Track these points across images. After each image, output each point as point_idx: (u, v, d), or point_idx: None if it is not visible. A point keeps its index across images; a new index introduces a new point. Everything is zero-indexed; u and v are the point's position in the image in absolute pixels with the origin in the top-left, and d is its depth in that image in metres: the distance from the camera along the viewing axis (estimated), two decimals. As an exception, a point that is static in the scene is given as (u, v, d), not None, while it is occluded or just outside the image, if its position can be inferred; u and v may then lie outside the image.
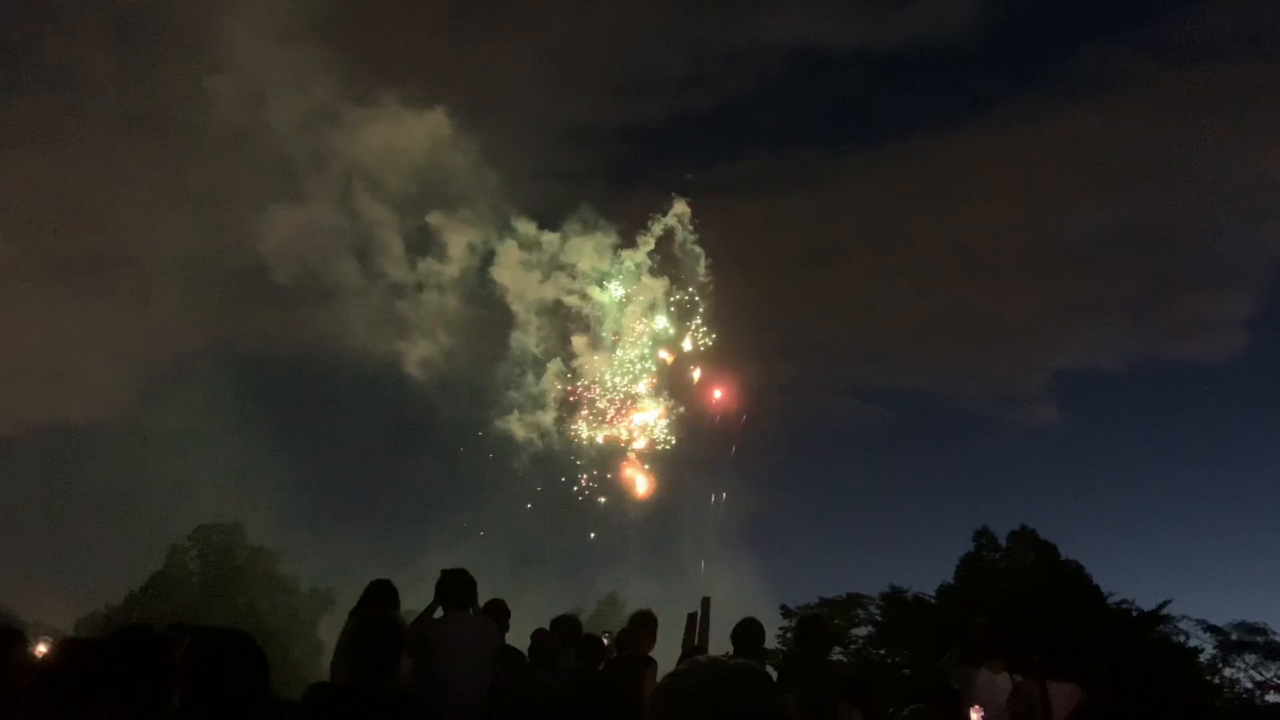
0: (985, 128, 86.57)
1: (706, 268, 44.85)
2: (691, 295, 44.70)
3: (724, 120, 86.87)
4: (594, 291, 44.14)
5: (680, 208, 45.54)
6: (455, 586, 8.10)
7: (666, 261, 45.59)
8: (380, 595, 8.22)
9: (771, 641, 38.49)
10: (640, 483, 43.46)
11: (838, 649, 43.64)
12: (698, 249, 45.48)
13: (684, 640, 11.29)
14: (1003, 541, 45.75)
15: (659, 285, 44.77)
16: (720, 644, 9.82)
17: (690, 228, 44.37)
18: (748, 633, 8.90)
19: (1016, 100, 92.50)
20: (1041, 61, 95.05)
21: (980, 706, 9.48)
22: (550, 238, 44.51)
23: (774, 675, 9.39)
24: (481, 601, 8.87)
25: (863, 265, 79.85)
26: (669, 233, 44.82)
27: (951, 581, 44.48)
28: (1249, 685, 39.59)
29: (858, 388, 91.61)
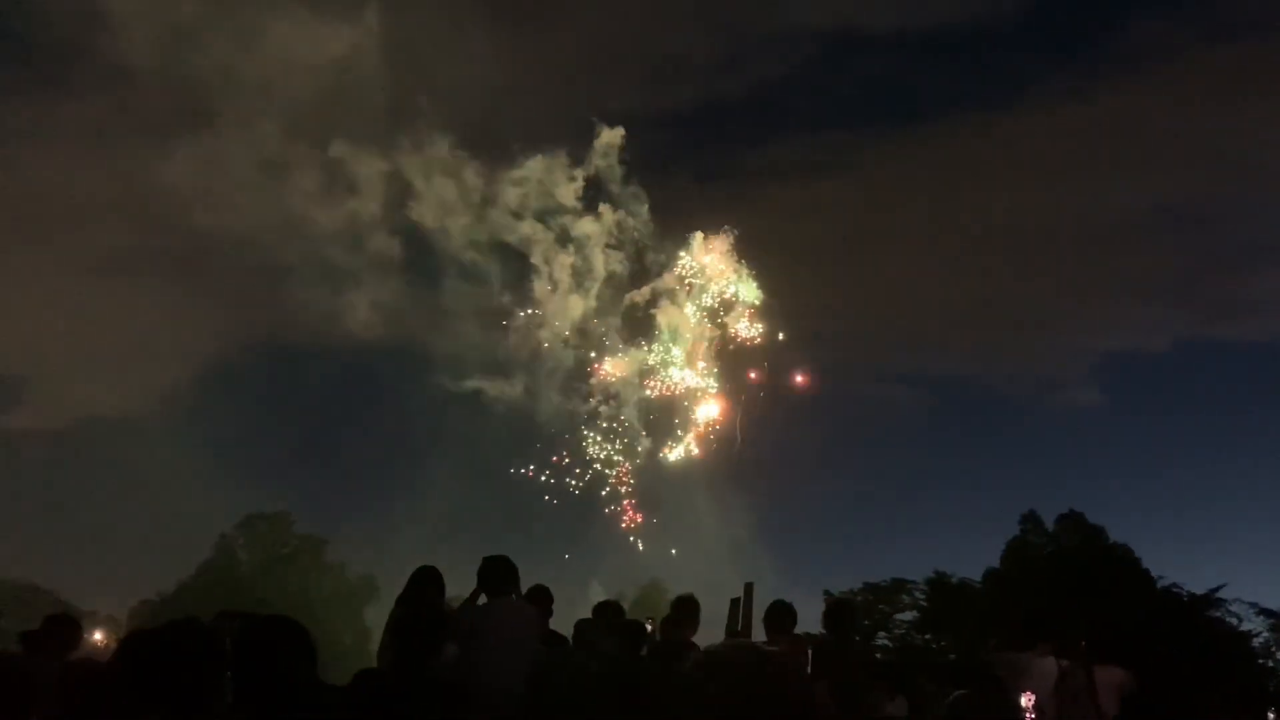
0: (1025, 108, 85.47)
1: (648, 210, 42.30)
2: (637, 240, 42.62)
3: (759, 105, 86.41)
4: (529, 227, 41.53)
5: (610, 137, 41.24)
6: (497, 573, 8.16)
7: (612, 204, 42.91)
8: (426, 582, 8.30)
9: (817, 626, 38.35)
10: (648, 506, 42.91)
11: (882, 634, 43.51)
12: (635, 188, 41.74)
13: (728, 625, 11.31)
14: (1050, 526, 45.33)
15: (610, 216, 42.25)
16: (762, 629, 9.83)
17: (622, 162, 41.00)
18: (778, 615, 8.97)
19: (1057, 80, 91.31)
20: (1082, 40, 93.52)
21: (1030, 693, 9.42)
22: (475, 180, 41.76)
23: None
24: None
25: (903, 249, 79.12)
26: (601, 172, 41.08)
27: (997, 566, 44.15)
28: (1304, 669, 39.03)
29: (900, 373, 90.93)
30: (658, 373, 41.04)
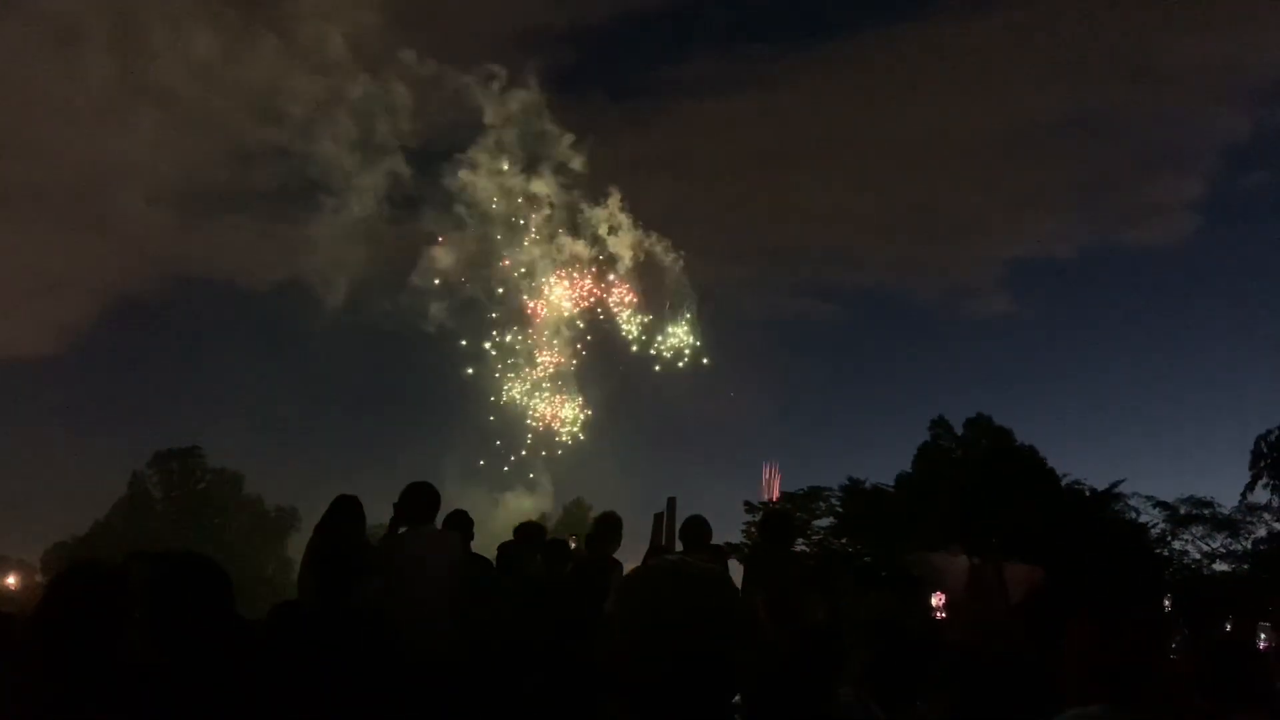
0: (935, 20, 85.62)
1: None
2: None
3: (672, 19, 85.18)
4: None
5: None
6: (417, 501, 8.10)
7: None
8: (344, 511, 8.19)
9: (737, 536, 39.24)
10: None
11: (800, 541, 44.54)
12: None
13: (652, 540, 11.46)
14: (959, 430, 46.58)
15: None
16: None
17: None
18: (694, 529, 9.13)
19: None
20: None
21: (940, 593, 9.73)
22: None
23: (738, 569, 9.56)
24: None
25: (815, 163, 79.36)
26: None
27: (909, 470, 45.33)
28: (1197, 556, 41.01)
29: (813, 286, 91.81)
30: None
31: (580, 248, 44.21)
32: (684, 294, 44.74)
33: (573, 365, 44.46)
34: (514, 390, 43.87)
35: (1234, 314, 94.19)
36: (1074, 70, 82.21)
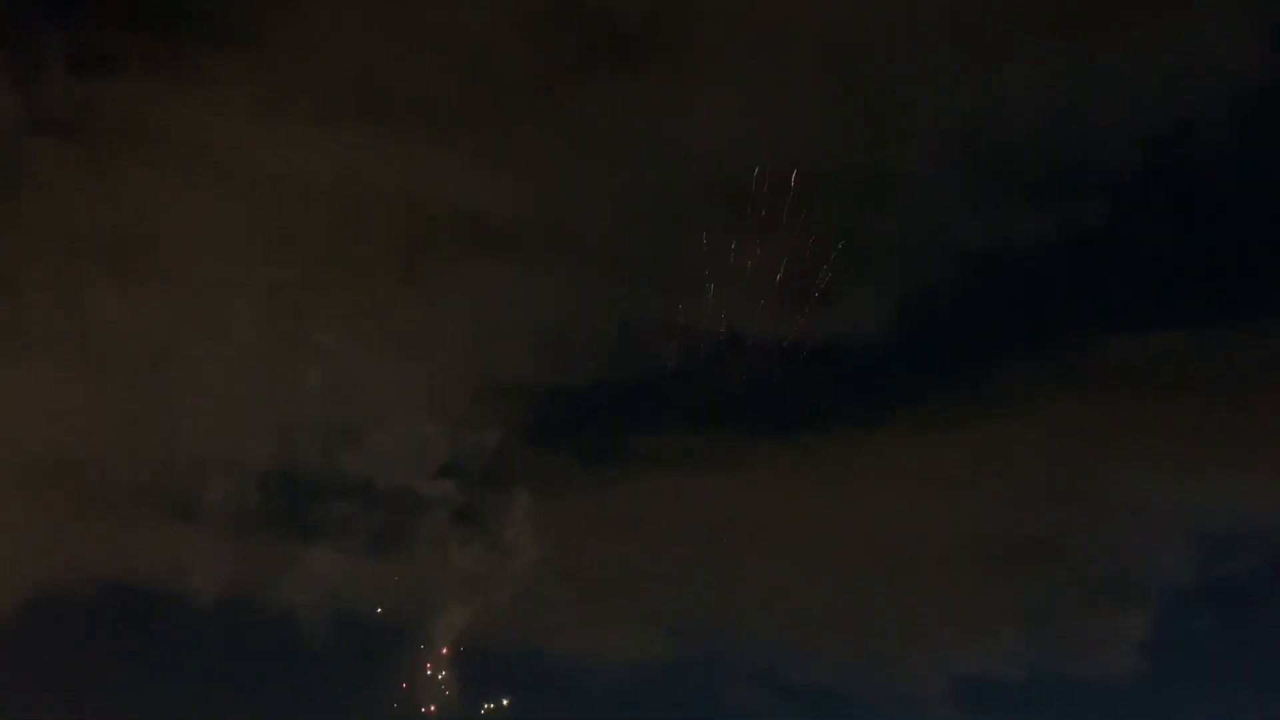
0: (895, 429, 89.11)
1: None
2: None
3: (649, 391, 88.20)
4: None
5: None
6: None
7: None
8: None
9: None
10: None
11: None
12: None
13: None
14: None
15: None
16: None
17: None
18: None
19: (924, 408, 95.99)
20: (947, 376, 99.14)
21: None
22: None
23: None
24: None
25: (770, 549, 79.58)
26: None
27: None
28: None
29: (754, 673, 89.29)
30: None
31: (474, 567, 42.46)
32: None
33: None
34: None
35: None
36: (1028, 496, 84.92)
